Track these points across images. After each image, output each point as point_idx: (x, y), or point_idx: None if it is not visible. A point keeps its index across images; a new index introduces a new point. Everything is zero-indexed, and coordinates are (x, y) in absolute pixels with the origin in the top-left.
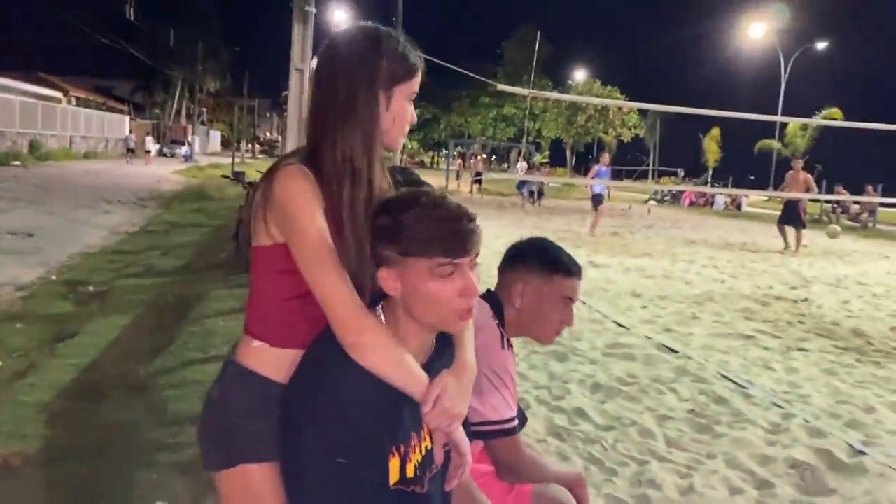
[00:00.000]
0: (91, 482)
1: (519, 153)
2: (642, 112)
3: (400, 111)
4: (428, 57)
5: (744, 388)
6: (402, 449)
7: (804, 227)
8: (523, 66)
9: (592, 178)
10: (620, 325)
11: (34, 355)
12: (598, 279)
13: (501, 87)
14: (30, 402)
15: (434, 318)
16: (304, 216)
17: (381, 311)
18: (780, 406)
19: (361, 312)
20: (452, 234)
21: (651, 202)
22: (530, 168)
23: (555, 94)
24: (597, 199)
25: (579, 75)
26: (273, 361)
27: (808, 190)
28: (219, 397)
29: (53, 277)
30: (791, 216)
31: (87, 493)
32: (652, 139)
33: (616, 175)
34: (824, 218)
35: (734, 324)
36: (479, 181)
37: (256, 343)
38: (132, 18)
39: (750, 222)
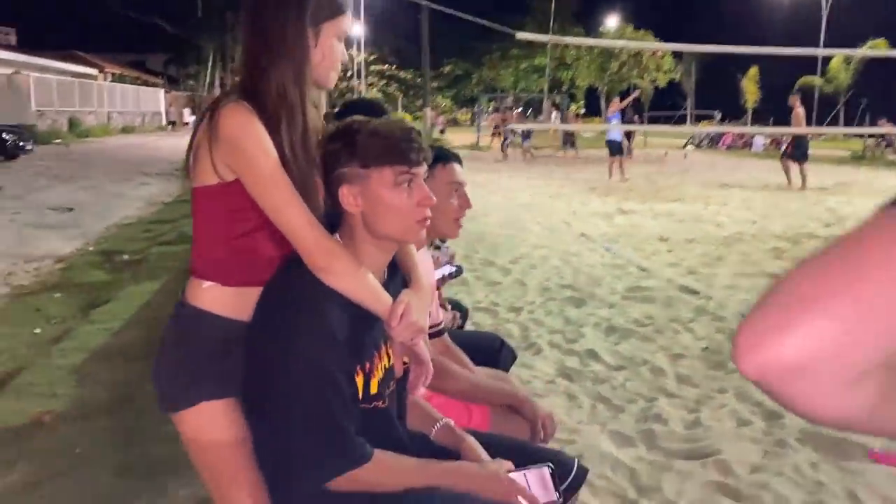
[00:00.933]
0: (114, 435)
1: (553, 105)
2: (677, 55)
3: (329, 48)
4: (453, 11)
5: None
6: (367, 366)
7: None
8: (553, 15)
9: (610, 116)
10: (642, 269)
11: (70, 322)
12: (625, 225)
13: (521, 34)
14: (63, 365)
15: (395, 228)
16: (257, 148)
17: (336, 235)
18: None
19: (327, 238)
20: (407, 144)
21: (688, 147)
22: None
23: (577, 39)
24: (615, 147)
25: (611, 22)
26: (227, 300)
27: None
28: (175, 339)
29: (90, 248)
30: (803, 151)
31: (115, 444)
32: (688, 83)
33: (653, 121)
34: (868, 154)
35: (762, 263)
36: (506, 139)
37: (207, 283)
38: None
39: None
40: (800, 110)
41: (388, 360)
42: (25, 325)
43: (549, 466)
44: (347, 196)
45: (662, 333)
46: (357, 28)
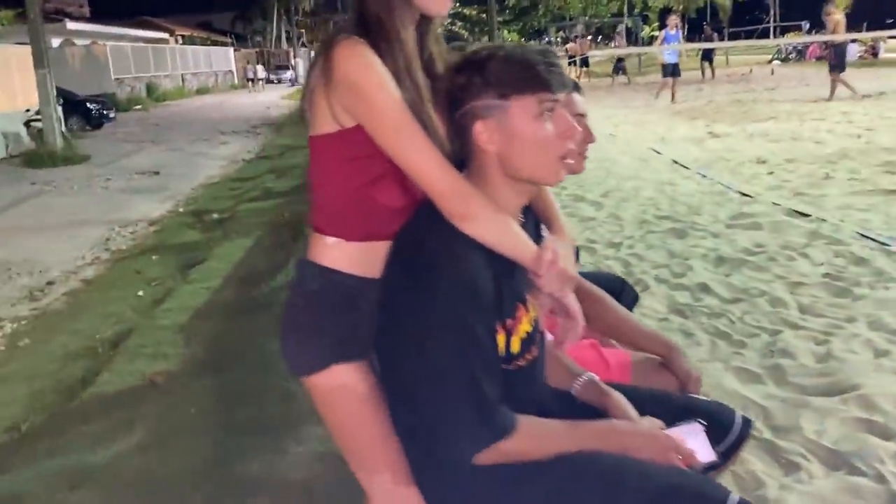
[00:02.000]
0: (227, 392)
1: (626, 29)
2: None
3: None
4: None
5: (886, 245)
6: (509, 323)
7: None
8: None
9: (661, 44)
10: (744, 195)
11: (170, 283)
12: (718, 149)
13: None
14: (168, 325)
15: (537, 167)
16: (379, 90)
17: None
18: None
19: (463, 182)
20: (548, 67)
21: (774, 62)
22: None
23: None
24: (669, 70)
25: None
26: (353, 256)
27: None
28: (302, 300)
29: (181, 210)
30: (842, 61)
31: (224, 402)
32: None
33: (734, 37)
34: None
35: (874, 179)
36: (586, 64)
37: (331, 240)
38: None
39: (889, 69)
40: (838, 17)
41: (532, 315)
42: (129, 288)
43: (699, 422)
44: (482, 133)
45: (776, 261)
46: None
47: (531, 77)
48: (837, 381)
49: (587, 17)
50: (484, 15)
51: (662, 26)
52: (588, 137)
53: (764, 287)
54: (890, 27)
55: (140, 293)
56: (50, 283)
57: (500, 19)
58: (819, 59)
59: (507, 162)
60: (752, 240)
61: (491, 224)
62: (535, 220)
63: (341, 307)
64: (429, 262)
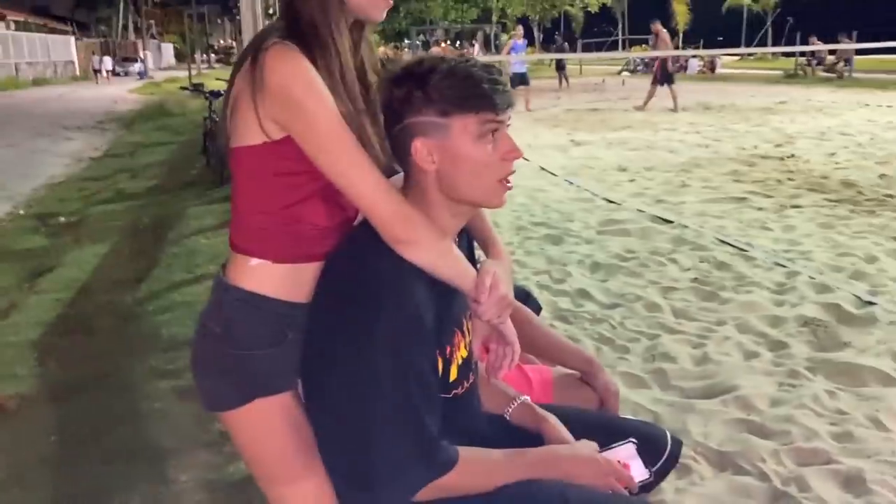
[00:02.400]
0: (93, 417)
1: (484, 35)
2: None
3: None
4: None
5: (744, 250)
6: (448, 350)
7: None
8: None
9: (507, 53)
10: (611, 202)
11: (14, 294)
12: (582, 157)
13: None
14: (17, 342)
15: (478, 190)
16: (313, 100)
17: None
18: (782, 265)
19: (404, 204)
20: (493, 85)
21: (624, 73)
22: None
23: None
24: (517, 79)
25: None
26: (280, 279)
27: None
28: (221, 329)
29: (21, 212)
30: (668, 75)
31: (90, 428)
32: (620, 7)
33: (586, 48)
34: (800, 72)
35: (724, 187)
36: None
37: (255, 261)
38: None
39: (726, 84)
40: (664, 34)
41: (468, 339)
42: None
43: (633, 442)
44: (421, 151)
45: (648, 267)
46: None
47: (475, 95)
48: (716, 384)
49: (448, 22)
50: None
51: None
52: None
53: (639, 292)
54: (721, 44)
55: None
56: None
57: None
58: None
59: (447, 183)
60: (623, 246)
61: (433, 249)
62: (467, 238)
63: (267, 337)
64: (369, 288)
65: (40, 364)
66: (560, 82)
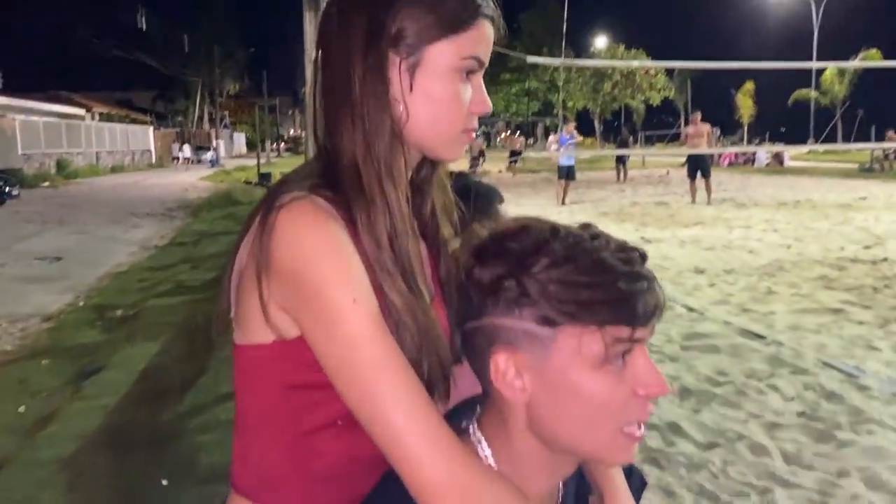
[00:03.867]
0: None
1: (544, 128)
2: (669, 73)
3: (441, 89)
4: None
5: (854, 376)
6: None
7: (709, 175)
8: (542, 38)
9: (555, 146)
10: (693, 310)
11: (58, 398)
12: (654, 256)
13: (532, 58)
14: (48, 460)
15: (588, 441)
16: (336, 292)
17: (476, 432)
18: None
19: (464, 461)
20: (633, 282)
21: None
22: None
23: (588, 62)
24: (563, 172)
25: (600, 42)
26: None
27: (708, 141)
28: None
29: (81, 303)
30: (701, 168)
31: None
32: (682, 100)
33: (648, 140)
34: (875, 166)
35: (815, 295)
36: (515, 161)
37: None
38: (144, 28)
39: (796, 178)
40: (703, 127)
41: None
42: (8, 402)
43: None
44: (505, 370)
45: (745, 395)
46: None
47: (604, 299)
48: None
49: (509, 115)
50: None
51: (579, 126)
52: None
53: (739, 428)
54: (785, 136)
55: (21, 409)
56: None
57: None
58: (731, 164)
59: (543, 423)
60: (713, 366)
61: None
62: (576, 482)
63: None
64: None
65: (70, 489)
66: (619, 175)
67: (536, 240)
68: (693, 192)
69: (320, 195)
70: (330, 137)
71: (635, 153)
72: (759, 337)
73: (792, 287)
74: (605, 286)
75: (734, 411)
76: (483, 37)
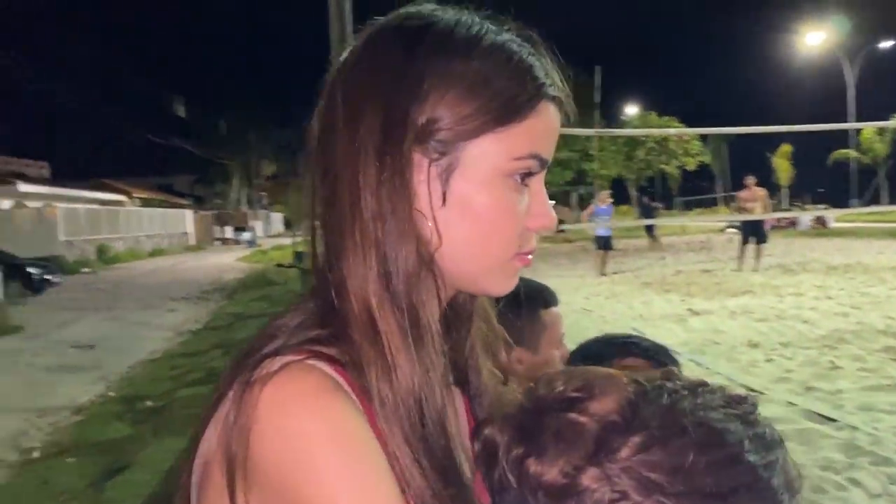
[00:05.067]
0: None
1: (578, 197)
2: (703, 138)
3: (486, 200)
4: None
5: None
6: None
7: (765, 241)
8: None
9: (589, 217)
10: (753, 390)
11: (79, 501)
12: (704, 330)
13: (565, 129)
14: None
15: None
16: (346, 491)
17: None
18: None
19: None
20: (764, 468)
21: (729, 230)
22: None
23: (621, 131)
24: (601, 242)
25: (631, 109)
26: None
27: (764, 206)
28: None
29: (111, 394)
30: (757, 234)
31: None
32: (718, 165)
33: (686, 206)
34: None
35: (883, 370)
36: (562, 231)
37: None
38: (183, 115)
39: (843, 240)
40: (758, 192)
41: None
42: None
43: None
44: None
45: (824, 491)
46: None
47: (737, 486)
48: None
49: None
50: None
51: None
52: None
53: None
54: (824, 196)
55: None
56: None
57: None
58: (774, 227)
59: None
60: None
61: None
62: None
63: None
64: None
65: None
66: (651, 242)
67: (617, 404)
68: (742, 257)
69: (321, 356)
70: (333, 268)
71: (667, 222)
72: (830, 420)
73: (857, 360)
74: (736, 471)
75: None
76: (547, 127)
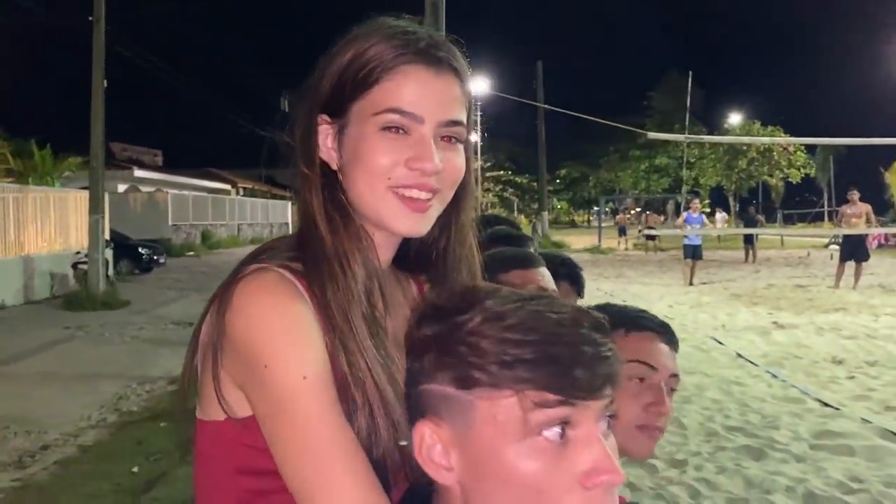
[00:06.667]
0: None
1: (675, 204)
2: (811, 150)
3: (361, 148)
4: (573, 113)
5: None
6: None
7: (867, 259)
8: (673, 114)
9: (681, 225)
10: (827, 405)
11: (168, 461)
12: (787, 343)
13: (653, 134)
14: None
15: None
16: (285, 367)
17: None
18: None
19: None
20: (567, 347)
21: (832, 246)
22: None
23: (711, 137)
24: (690, 252)
25: (734, 119)
26: None
27: (868, 221)
28: None
29: None
30: (857, 251)
31: None
32: (825, 178)
33: (787, 219)
34: None
35: None
36: (653, 238)
37: None
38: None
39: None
40: (863, 207)
41: None
42: (124, 462)
43: None
44: (430, 444)
45: None
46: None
47: (530, 359)
48: None
49: (638, 192)
50: (535, 184)
51: (714, 203)
52: (660, 406)
53: None
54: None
55: (135, 469)
56: (44, 448)
57: (550, 188)
58: (881, 246)
59: None
60: (845, 470)
61: None
62: None
63: None
64: None
65: None
66: (747, 256)
67: (474, 298)
68: (840, 275)
69: (289, 268)
70: (300, 209)
71: (768, 233)
72: None
73: None
74: (533, 344)
75: None
76: (407, 85)
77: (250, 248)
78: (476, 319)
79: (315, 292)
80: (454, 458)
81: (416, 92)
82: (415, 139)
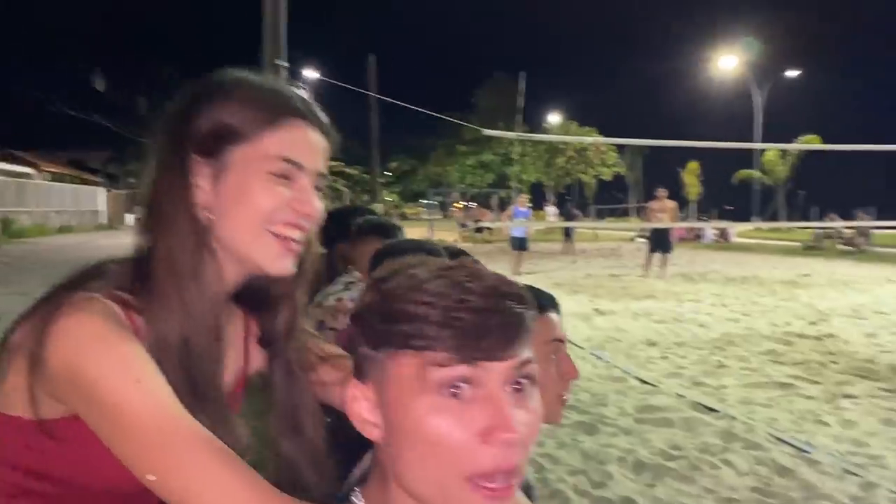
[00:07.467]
0: None
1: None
2: (620, 149)
3: (242, 189)
4: (408, 105)
5: (805, 451)
6: None
7: (671, 251)
8: (496, 114)
9: (509, 218)
10: (646, 383)
11: None
12: (607, 328)
13: (489, 131)
14: None
15: (431, 488)
16: (115, 378)
17: (359, 497)
18: (854, 473)
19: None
20: (471, 315)
21: (638, 240)
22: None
23: (543, 136)
24: (516, 243)
25: (553, 118)
26: None
27: (672, 217)
28: None
29: None
30: (661, 243)
31: None
32: (633, 176)
33: (599, 214)
34: (817, 244)
35: (764, 369)
36: (481, 230)
37: None
38: (101, 89)
39: (743, 254)
40: (668, 204)
41: None
42: None
43: None
44: (358, 401)
45: (699, 469)
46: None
47: (432, 321)
48: None
49: (464, 186)
50: (367, 175)
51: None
52: (570, 373)
53: None
54: (731, 213)
55: None
56: None
57: (381, 181)
58: (681, 239)
59: (396, 471)
60: (666, 440)
61: None
62: None
63: None
64: None
65: None
66: (565, 248)
67: (403, 267)
68: (648, 265)
69: (116, 298)
70: (145, 238)
71: (584, 226)
72: (712, 410)
73: (742, 361)
74: (441, 308)
75: (689, 486)
76: (293, 138)
77: (59, 238)
78: (398, 285)
79: (143, 326)
80: (378, 415)
81: (299, 144)
82: (299, 185)
